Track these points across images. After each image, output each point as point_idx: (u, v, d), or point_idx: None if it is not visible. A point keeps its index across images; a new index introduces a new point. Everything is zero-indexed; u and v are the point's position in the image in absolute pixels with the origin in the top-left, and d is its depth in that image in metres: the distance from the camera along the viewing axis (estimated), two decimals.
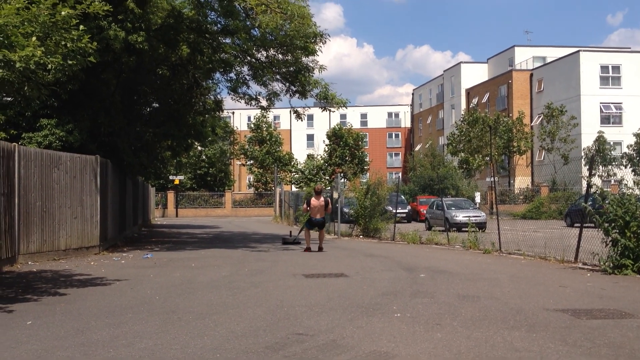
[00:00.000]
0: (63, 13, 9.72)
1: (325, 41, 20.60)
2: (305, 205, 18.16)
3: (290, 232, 22.33)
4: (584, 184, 13.93)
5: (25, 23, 9.30)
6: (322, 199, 18.09)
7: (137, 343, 6.42)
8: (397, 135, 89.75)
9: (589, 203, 13.18)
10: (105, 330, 7.02)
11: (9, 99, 16.34)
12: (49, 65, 9.56)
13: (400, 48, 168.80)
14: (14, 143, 13.59)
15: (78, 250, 15.61)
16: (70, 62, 9.91)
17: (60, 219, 14.93)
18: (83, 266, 13.55)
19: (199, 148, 51.99)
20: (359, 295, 9.30)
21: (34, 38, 9.20)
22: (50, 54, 9.48)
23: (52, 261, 14.21)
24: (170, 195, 57.42)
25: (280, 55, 21.47)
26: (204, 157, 59.64)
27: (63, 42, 9.74)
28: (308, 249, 17.49)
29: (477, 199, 42.88)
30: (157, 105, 24.31)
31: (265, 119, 62.90)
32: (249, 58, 22.14)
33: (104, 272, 12.58)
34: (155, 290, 10.01)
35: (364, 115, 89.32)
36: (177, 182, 54.61)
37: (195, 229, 33.33)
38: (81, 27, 10.14)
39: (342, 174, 40.18)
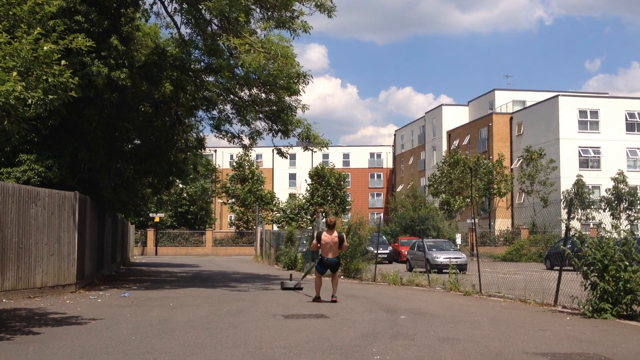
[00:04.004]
0: (45, 48, 9.72)
1: (308, 82, 20.74)
2: (315, 242, 14.74)
3: (291, 275, 20.59)
4: (563, 227, 14.01)
5: (7, 57, 9.28)
6: (335, 234, 14.44)
7: None
8: (379, 176, 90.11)
9: (568, 246, 13.22)
10: None
11: None
12: (29, 100, 9.51)
13: (384, 89, 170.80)
14: None
15: (54, 288, 15.33)
16: (50, 96, 9.87)
17: (37, 255, 14.68)
18: (58, 304, 13.30)
19: (180, 186, 51.78)
20: (338, 337, 9.19)
21: (14, 73, 9.16)
22: (30, 89, 9.44)
23: (27, 299, 13.94)
24: (150, 233, 56.90)
25: (263, 95, 21.58)
26: (185, 194, 59.35)
27: (44, 77, 9.71)
28: (317, 299, 14.34)
29: (458, 241, 42.98)
30: (138, 142, 24.25)
31: (247, 158, 62.86)
32: (232, 96, 22.25)
33: (80, 310, 12.35)
34: (132, 330, 9.83)
35: (346, 155, 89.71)
36: (157, 219, 54.16)
37: (174, 267, 32.97)
38: (63, 62, 10.13)
39: (323, 214, 40.14)
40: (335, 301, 14.08)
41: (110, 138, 21.52)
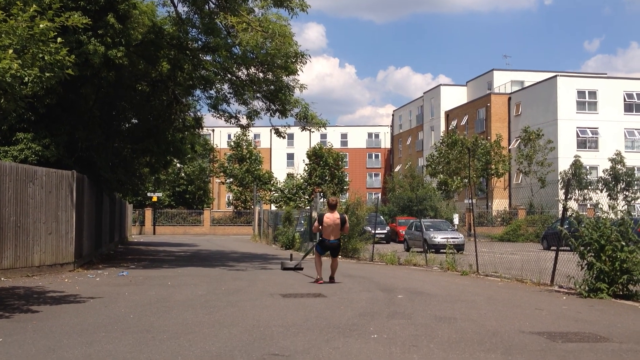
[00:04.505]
0: (41, 26, 9.64)
1: (306, 61, 20.68)
2: (316, 223, 14.39)
3: (291, 255, 20.69)
4: (561, 207, 14.03)
5: (3, 35, 9.21)
6: (337, 215, 14.14)
7: None
8: (377, 156, 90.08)
9: (565, 226, 13.26)
10: (78, 349, 6.88)
11: None
12: (26, 78, 9.45)
13: (382, 69, 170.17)
14: None
15: (52, 267, 15.36)
16: (47, 74, 9.80)
17: (35, 234, 14.70)
18: (57, 283, 13.33)
19: (178, 165, 51.71)
20: (336, 316, 9.23)
21: (10, 50, 9.10)
22: (27, 67, 9.38)
23: (26, 277, 13.97)
24: (148, 213, 56.96)
25: (261, 74, 21.50)
26: (182, 174, 59.33)
27: (40, 55, 9.64)
28: (319, 280, 14.10)
29: (456, 221, 43.07)
30: (136, 121, 24.17)
31: (245, 137, 62.75)
32: (229, 76, 22.15)
33: (78, 289, 12.38)
34: (130, 309, 9.86)
35: (344, 135, 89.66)
36: (155, 199, 54.20)
37: (172, 246, 33.03)
38: (59, 39, 10.06)
39: (321, 194, 40.19)
40: (333, 281, 14.11)
41: (107, 117, 21.45)
